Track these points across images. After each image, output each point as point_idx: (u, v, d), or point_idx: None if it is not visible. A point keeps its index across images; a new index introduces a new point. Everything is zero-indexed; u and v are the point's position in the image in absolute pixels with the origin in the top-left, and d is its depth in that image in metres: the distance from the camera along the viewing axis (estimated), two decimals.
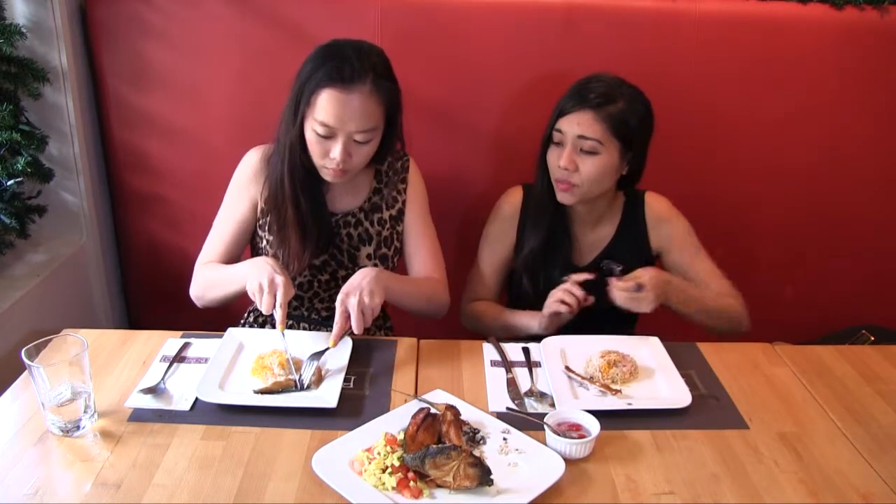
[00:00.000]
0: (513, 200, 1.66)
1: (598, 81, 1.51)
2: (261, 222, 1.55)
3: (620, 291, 1.42)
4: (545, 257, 1.60)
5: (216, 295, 1.47)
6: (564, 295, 1.43)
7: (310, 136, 1.41)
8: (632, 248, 1.62)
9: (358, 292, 1.35)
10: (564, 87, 1.95)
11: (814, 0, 1.97)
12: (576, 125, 1.48)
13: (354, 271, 1.54)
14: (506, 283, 1.69)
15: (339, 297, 1.36)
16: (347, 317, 1.34)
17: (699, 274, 1.58)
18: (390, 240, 1.59)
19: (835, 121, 2.07)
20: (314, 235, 1.50)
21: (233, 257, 1.55)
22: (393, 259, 1.60)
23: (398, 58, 1.91)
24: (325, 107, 1.36)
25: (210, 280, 1.49)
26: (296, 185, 1.47)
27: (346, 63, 1.36)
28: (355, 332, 1.34)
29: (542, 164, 1.57)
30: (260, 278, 1.32)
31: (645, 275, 1.43)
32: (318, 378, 1.31)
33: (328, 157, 1.41)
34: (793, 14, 1.97)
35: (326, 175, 1.45)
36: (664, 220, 1.62)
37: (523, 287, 1.62)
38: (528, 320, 1.53)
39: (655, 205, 1.63)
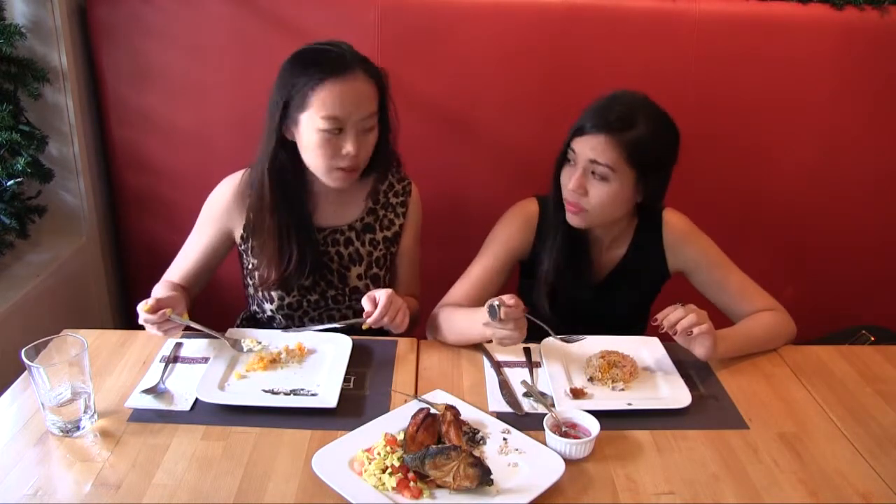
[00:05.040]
0: (529, 212, 1.57)
1: (620, 102, 1.40)
2: (243, 248, 1.53)
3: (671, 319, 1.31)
4: (562, 275, 1.53)
5: None
6: (508, 337, 1.29)
7: (314, 140, 1.38)
8: (646, 267, 1.57)
9: (402, 302, 1.42)
10: (564, 88, 1.96)
11: (814, 0, 1.98)
12: (589, 149, 1.39)
13: (344, 291, 1.54)
14: (493, 293, 1.55)
15: (385, 294, 1.39)
16: (387, 310, 1.38)
17: (735, 289, 1.51)
18: (382, 260, 1.58)
19: (834, 121, 2.08)
20: (301, 253, 1.48)
21: (195, 281, 1.54)
22: (384, 279, 1.59)
23: (398, 58, 1.91)
24: (328, 100, 1.35)
25: None
26: (282, 203, 1.45)
27: (333, 56, 1.37)
28: (375, 317, 1.37)
29: (557, 181, 1.49)
30: (151, 328, 1.35)
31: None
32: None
33: (339, 156, 1.39)
34: (793, 14, 1.97)
35: (336, 178, 1.43)
36: (684, 241, 1.54)
37: (539, 307, 1.54)
38: (479, 322, 1.34)
39: (674, 224, 1.55)
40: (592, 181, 1.41)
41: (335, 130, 1.37)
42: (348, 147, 1.38)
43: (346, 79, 1.36)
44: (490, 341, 1.45)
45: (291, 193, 1.47)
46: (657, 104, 1.43)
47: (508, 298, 1.27)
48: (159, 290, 1.46)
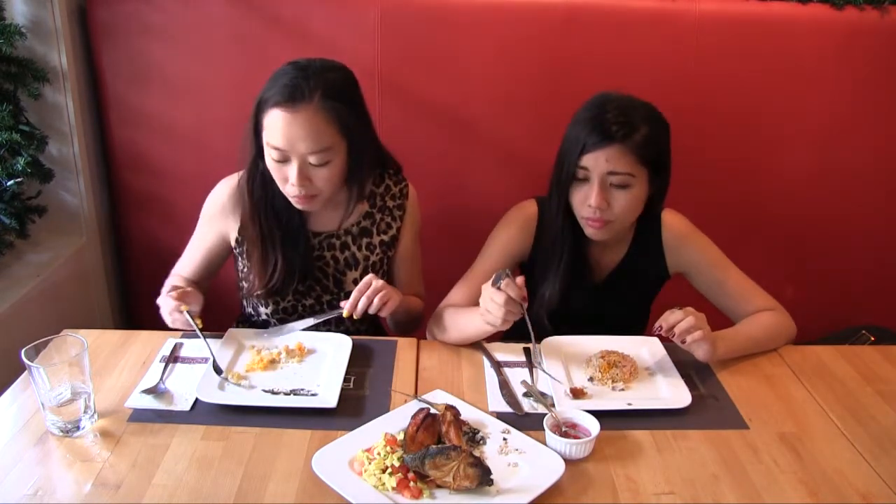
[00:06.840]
0: (528, 214, 1.55)
1: (613, 108, 1.38)
2: (238, 251, 1.53)
3: (672, 322, 1.31)
4: (563, 280, 1.52)
5: None
6: (494, 309, 1.27)
7: (269, 163, 1.37)
8: (645, 268, 1.57)
9: (383, 285, 1.39)
10: (564, 88, 1.96)
11: (814, 0, 1.98)
12: (604, 161, 1.37)
13: (340, 296, 1.53)
14: None
15: (367, 279, 1.40)
16: (362, 294, 1.38)
17: (734, 290, 1.51)
18: (379, 265, 1.56)
19: (835, 121, 2.08)
20: (287, 262, 1.47)
21: (201, 277, 1.57)
22: None
23: (398, 58, 1.90)
24: (273, 128, 1.32)
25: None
26: (265, 210, 1.45)
27: (290, 82, 1.32)
28: (360, 305, 1.38)
29: (557, 196, 1.46)
30: (164, 313, 1.41)
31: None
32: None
33: (288, 184, 1.37)
34: (793, 14, 1.97)
35: (295, 203, 1.41)
36: (683, 241, 1.54)
37: (539, 318, 1.51)
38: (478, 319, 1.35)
39: (673, 225, 1.54)
40: (612, 192, 1.40)
41: (280, 159, 1.35)
42: (291, 179, 1.35)
43: (296, 110, 1.31)
44: (489, 340, 1.45)
45: (276, 200, 1.46)
46: (635, 96, 1.43)
47: (519, 280, 1.28)
48: (177, 283, 1.48)
